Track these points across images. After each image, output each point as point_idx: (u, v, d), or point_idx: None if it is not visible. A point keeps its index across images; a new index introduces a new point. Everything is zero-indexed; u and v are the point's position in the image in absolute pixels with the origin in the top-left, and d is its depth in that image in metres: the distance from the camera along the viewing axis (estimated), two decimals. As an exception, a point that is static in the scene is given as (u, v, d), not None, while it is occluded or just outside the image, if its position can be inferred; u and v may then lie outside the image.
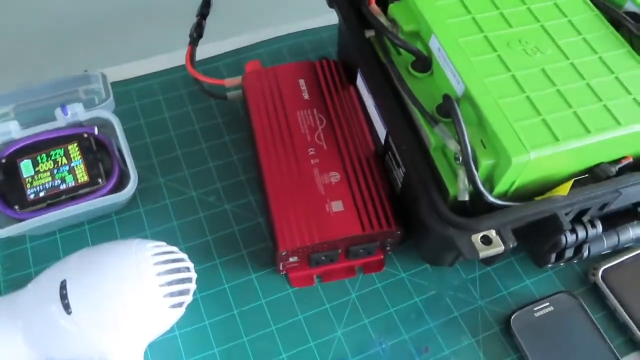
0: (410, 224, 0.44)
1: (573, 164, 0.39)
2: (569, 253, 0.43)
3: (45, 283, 0.38)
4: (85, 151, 0.45)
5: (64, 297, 0.36)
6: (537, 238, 0.42)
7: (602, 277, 0.46)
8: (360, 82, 0.49)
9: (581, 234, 0.41)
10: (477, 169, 0.37)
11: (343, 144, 0.47)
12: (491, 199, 0.38)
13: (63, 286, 0.37)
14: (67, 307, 0.36)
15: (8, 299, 0.39)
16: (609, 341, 0.43)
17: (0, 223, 0.43)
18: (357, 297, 0.46)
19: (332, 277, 0.46)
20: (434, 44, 0.42)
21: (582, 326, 0.44)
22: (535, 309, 0.45)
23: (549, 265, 0.44)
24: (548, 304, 0.45)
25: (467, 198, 0.38)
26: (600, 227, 0.42)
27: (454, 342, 0.44)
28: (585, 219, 0.42)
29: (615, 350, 0.43)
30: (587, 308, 0.45)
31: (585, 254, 0.44)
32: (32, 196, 0.43)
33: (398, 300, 0.46)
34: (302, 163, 0.45)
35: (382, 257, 0.47)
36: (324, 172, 0.45)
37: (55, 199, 0.44)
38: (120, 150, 0.46)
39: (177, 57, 0.55)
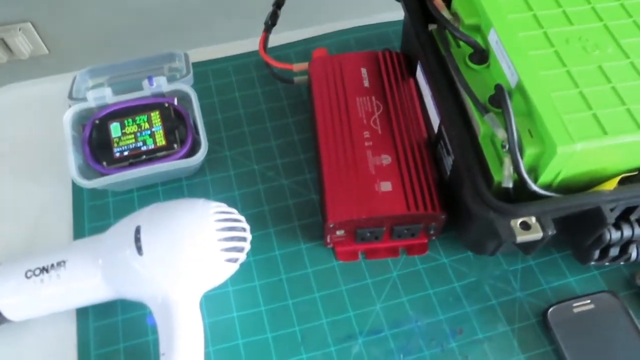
0: (455, 211, 0.46)
1: (622, 160, 0.40)
2: (613, 252, 0.43)
3: (123, 228, 0.43)
4: (165, 119, 0.51)
5: (137, 240, 0.42)
6: (580, 232, 0.42)
7: (650, 281, 0.46)
8: (419, 73, 0.51)
9: (627, 231, 0.41)
10: (522, 158, 0.39)
11: (397, 130, 0.49)
12: (534, 187, 0.39)
13: (137, 231, 0.42)
14: (139, 249, 0.41)
15: (92, 240, 0.45)
16: (651, 346, 0.43)
17: (89, 176, 0.49)
18: (397, 276, 0.48)
19: (376, 255, 0.49)
20: (492, 37, 0.44)
21: (623, 327, 0.44)
22: (575, 304, 0.45)
23: (593, 263, 0.44)
24: (589, 301, 0.45)
25: (510, 185, 0.40)
26: (648, 228, 0.41)
27: (489, 328, 0.45)
28: (633, 217, 0.41)
29: (657, 356, 0.42)
30: (630, 311, 0.44)
31: (633, 254, 0.44)
32: (117, 154, 0.49)
33: (438, 283, 0.48)
34: (357, 144, 0.48)
35: (426, 241, 0.49)
36: (377, 154, 0.48)
37: (136, 158, 0.49)
38: (194, 121, 0.51)
39: (252, 44, 0.60)
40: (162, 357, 0.39)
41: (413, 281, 0.48)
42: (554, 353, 0.44)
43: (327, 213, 0.45)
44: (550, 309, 0.44)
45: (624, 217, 0.41)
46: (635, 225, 0.41)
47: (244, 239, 0.44)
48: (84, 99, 0.52)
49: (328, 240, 0.48)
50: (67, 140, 0.50)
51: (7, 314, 0.42)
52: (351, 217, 0.45)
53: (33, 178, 0.55)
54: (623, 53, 0.42)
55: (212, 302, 0.47)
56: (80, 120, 0.52)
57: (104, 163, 0.49)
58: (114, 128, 0.50)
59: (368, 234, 0.47)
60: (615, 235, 0.41)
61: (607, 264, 0.45)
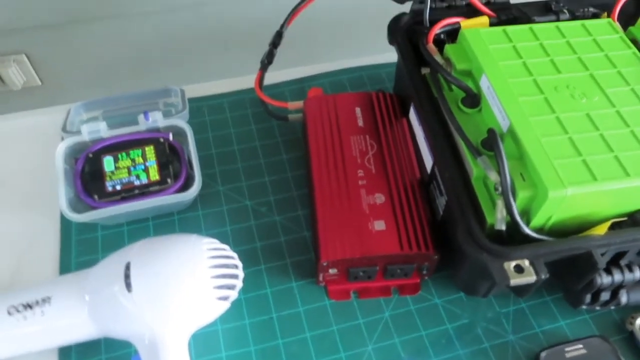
0: (448, 252, 0.46)
1: (611, 205, 0.41)
2: (604, 296, 0.43)
3: (112, 263, 0.43)
4: (159, 153, 0.51)
5: (127, 276, 0.41)
6: (571, 276, 0.42)
7: (639, 326, 0.46)
8: (412, 114, 0.52)
9: (617, 276, 0.41)
10: (515, 200, 0.39)
11: (391, 169, 0.50)
12: (527, 230, 0.40)
13: (127, 267, 0.41)
14: (128, 286, 0.40)
15: (79, 275, 0.44)
16: (643, 393, 0.43)
17: (80, 209, 0.49)
18: (390, 317, 0.48)
19: (369, 294, 0.48)
20: (484, 83, 0.46)
21: (615, 373, 0.44)
22: (567, 349, 0.45)
23: (585, 307, 0.44)
24: (581, 346, 0.45)
25: (503, 227, 0.40)
26: (638, 273, 0.42)
27: (482, 372, 0.45)
28: (623, 262, 0.42)
29: (649, 403, 0.42)
30: (621, 356, 0.44)
31: (624, 300, 0.44)
32: (110, 188, 0.49)
33: (430, 324, 0.47)
34: (351, 183, 0.49)
35: (419, 280, 0.49)
36: (370, 193, 0.48)
37: (128, 192, 0.49)
38: (189, 156, 0.51)
39: (247, 81, 0.61)
40: (148, 400, 0.38)
41: (405, 322, 0.47)
42: (547, 398, 0.43)
43: (320, 251, 0.45)
44: (543, 353, 0.44)
45: (614, 261, 0.42)
46: (625, 270, 0.42)
47: (236, 277, 0.44)
48: (78, 132, 0.52)
49: (320, 278, 0.48)
50: (59, 173, 0.49)
51: (-14, 353, 0.41)
52: (344, 256, 0.44)
53: (21, 210, 0.54)
54: (609, 102, 0.44)
55: (200, 340, 0.45)
56: (73, 154, 0.52)
57: (96, 196, 0.49)
58: (107, 162, 0.50)
59: (361, 273, 0.46)
60: (606, 279, 0.41)
61: (598, 308, 0.45)
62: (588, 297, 0.43)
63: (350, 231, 0.46)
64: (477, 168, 0.43)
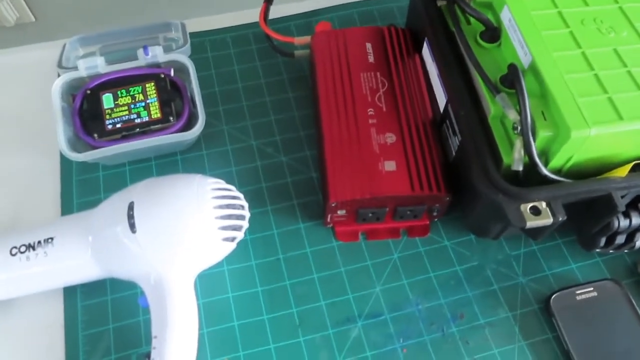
0: (459, 193, 0.44)
1: (635, 146, 0.39)
2: (620, 239, 0.42)
3: (115, 204, 0.41)
4: (160, 90, 0.48)
5: (130, 217, 0.40)
6: (588, 219, 0.41)
7: (652, 270, 0.45)
8: (425, 50, 0.49)
9: (636, 219, 0.40)
10: (534, 140, 0.38)
11: (402, 108, 0.48)
12: (545, 171, 0.38)
13: (131, 207, 0.40)
14: (132, 227, 0.39)
15: (81, 216, 0.43)
16: (651, 334, 0.43)
17: (79, 149, 0.47)
18: (398, 258, 0.47)
19: (377, 236, 0.48)
20: (505, 15, 0.42)
21: (626, 316, 0.43)
22: (578, 292, 0.44)
23: (598, 251, 0.43)
24: (592, 289, 0.44)
25: (521, 168, 0.38)
26: (656, 216, 0.41)
27: (491, 313, 0.44)
28: (641, 205, 0.41)
29: (657, 345, 0.42)
30: (632, 299, 0.44)
31: (638, 243, 0.43)
32: (109, 126, 0.47)
33: (439, 266, 0.47)
34: (361, 122, 0.47)
35: (428, 222, 0.48)
36: (381, 132, 0.46)
37: (129, 131, 0.47)
38: (192, 94, 0.49)
39: (251, 14, 0.58)
40: (154, 340, 0.38)
41: (414, 263, 0.47)
42: (555, 340, 0.43)
43: (328, 192, 0.44)
44: (553, 296, 0.44)
45: (633, 204, 0.41)
46: (644, 213, 0.41)
47: (242, 217, 0.43)
48: (75, 68, 0.49)
49: (328, 219, 0.47)
50: (56, 111, 0.47)
51: (-9, 292, 0.41)
52: (354, 197, 0.43)
53: (19, 150, 0.52)
54: (639, 36, 0.41)
55: (206, 281, 0.45)
56: (70, 90, 0.49)
57: (95, 135, 0.47)
58: (107, 99, 0.48)
59: (370, 215, 0.45)
60: (623, 223, 0.40)
61: (611, 251, 0.44)
62: (603, 241, 0.42)
63: (359, 171, 0.44)
64: (495, 106, 0.40)
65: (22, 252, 0.41)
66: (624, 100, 0.37)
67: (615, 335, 0.43)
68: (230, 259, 0.45)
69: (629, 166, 0.39)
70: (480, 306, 0.45)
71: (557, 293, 0.44)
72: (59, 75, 0.49)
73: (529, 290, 0.45)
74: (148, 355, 0.38)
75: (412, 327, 0.44)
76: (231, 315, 0.44)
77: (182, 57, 0.50)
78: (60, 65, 0.51)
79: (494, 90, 0.40)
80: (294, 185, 0.50)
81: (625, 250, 0.44)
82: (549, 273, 0.46)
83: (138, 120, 0.47)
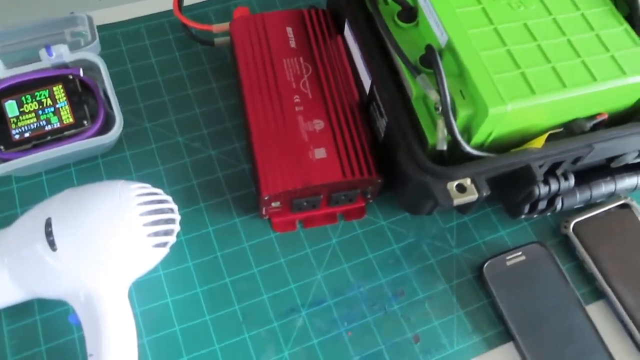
0: (391, 173, 0.45)
1: (549, 117, 0.40)
2: (542, 205, 0.44)
3: (31, 221, 0.39)
4: (70, 93, 0.45)
5: (49, 234, 0.37)
6: (511, 189, 0.43)
7: (573, 229, 0.48)
8: (347, 31, 0.49)
9: (554, 186, 0.42)
10: (455, 119, 0.38)
11: (328, 92, 0.47)
12: (468, 148, 0.39)
13: (48, 224, 0.38)
14: (52, 244, 0.37)
15: (-5, 235, 0.40)
16: (575, 290, 0.45)
17: (-14, 162, 0.44)
18: (337, 243, 0.47)
19: (314, 223, 0.48)
20: (420, -6, 0.42)
21: (552, 275, 0.46)
22: (508, 257, 0.46)
23: (523, 217, 0.45)
24: (520, 253, 0.47)
25: (445, 147, 0.39)
26: (572, 181, 0.43)
27: (429, 287, 0.46)
28: (559, 172, 0.43)
29: (580, 299, 0.45)
30: (557, 259, 0.47)
31: (559, 206, 0.45)
32: (17, 136, 0.44)
33: (377, 246, 0.47)
34: (287, 110, 0.46)
35: (364, 204, 0.48)
36: (308, 119, 0.46)
37: (40, 139, 0.44)
38: (105, 93, 0.46)
39: (165, 2, 0.55)
40: (90, 358, 0.36)
41: (353, 246, 0.47)
42: (490, 306, 0.45)
43: (260, 185, 0.43)
44: (486, 264, 0.46)
45: (551, 171, 0.43)
46: (561, 179, 0.43)
47: (172, 221, 0.41)
48: (-30, 73, 0.45)
49: (263, 212, 0.46)
50: (-45, 122, 0.43)
51: None
52: (286, 188, 0.43)
53: None
54: (546, 9, 0.42)
55: (142, 288, 0.44)
56: (-32, 98, 0.45)
57: (1, 147, 0.43)
58: (10, 106, 0.44)
59: (305, 204, 0.45)
60: (543, 190, 0.42)
61: (535, 216, 0.47)
62: (526, 208, 0.44)
63: (290, 161, 0.44)
64: (416, 87, 0.41)
65: None
66: (535, 74, 0.39)
67: (543, 295, 0.45)
68: (165, 262, 0.43)
69: (544, 137, 0.41)
70: (419, 281, 0.46)
71: (489, 261, 0.46)
72: (-48, 82, 0.45)
73: (463, 261, 0.47)
74: (86, 375, 0.37)
75: (355, 310, 0.44)
76: (171, 320, 0.43)
77: (91, 54, 0.46)
78: (-47, 70, 0.47)
79: (414, 71, 0.40)
80: (225, 179, 0.49)
81: (549, 214, 0.47)
82: (480, 242, 0.48)
83: (49, 127, 0.44)
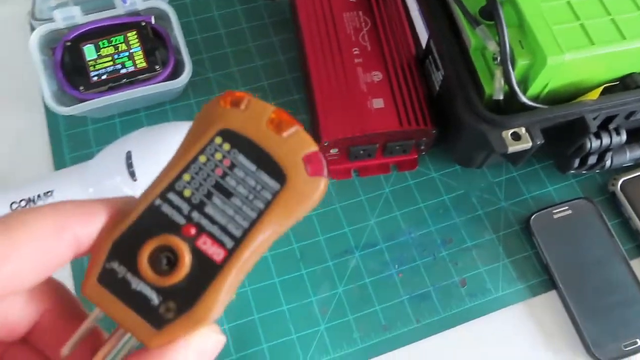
0: (444, 126, 0.47)
1: (605, 70, 0.41)
2: (592, 160, 0.45)
3: (112, 154, 0.42)
4: (143, 39, 0.48)
5: (130, 166, 0.41)
6: (563, 141, 0.44)
7: (621, 187, 0.49)
8: (405, -13, 0.50)
9: (606, 140, 0.43)
10: (513, 69, 0.40)
11: (386, 45, 0.49)
12: (524, 99, 0.40)
13: (129, 157, 0.41)
14: (132, 175, 0.40)
15: (78, 168, 0.44)
16: (620, 245, 0.47)
17: (66, 102, 0.47)
18: (390, 192, 0.49)
19: (368, 172, 0.50)
20: (483, -53, 0.43)
21: (597, 230, 0.48)
22: (555, 211, 0.48)
23: (572, 172, 0.47)
24: (567, 207, 0.48)
25: (501, 97, 0.41)
26: (624, 136, 0.44)
27: (477, 236, 0.48)
28: (611, 126, 0.44)
29: (625, 254, 0.46)
30: (603, 214, 0.48)
31: (608, 163, 0.46)
32: (95, 78, 0.47)
33: (427, 196, 0.49)
34: (347, 62, 0.48)
35: (416, 156, 0.50)
36: (367, 71, 0.47)
37: (116, 82, 0.47)
38: (175, 41, 0.49)
39: (228, -42, 0.57)
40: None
41: (405, 196, 0.49)
42: (535, 256, 0.47)
43: (320, 132, 0.45)
44: (533, 216, 0.47)
45: (603, 126, 0.44)
46: (613, 134, 0.44)
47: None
48: (50, 19, 0.48)
49: (320, 160, 0.48)
50: (37, 65, 0.47)
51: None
52: (345, 135, 0.45)
53: (1, 108, 0.52)
54: (609, -37, 0.43)
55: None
56: (48, 43, 0.49)
57: (81, 88, 0.47)
58: (88, 50, 0.47)
59: (361, 152, 0.47)
60: (595, 143, 0.43)
61: (584, 172, 0.48)
62: (577, 162, 0.45)
63: (349, 110, 0.46)
64: (475, 38, 0.42)
65: (22, 207, 0.41)
66: (594, 26, 0.40)
67: (588, 248, 0.47)
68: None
69: (599, 89, 0.42)
70: (467, 231, 0.48)
71: (536, 214, 0.48)
72: (32, 29, 0.48)
73: (510, 213, 0.49)
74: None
75: (406, 253, 0.47)
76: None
77: (162, 3, 0.49)
78: (33, 17, 0.50)
79: (473, 22, 0.42)
80: (283, 128, 0.51)
81: (597, 171, 0.48)
82: (528, 196, 0.50)
83: (124, 71, 0.47)
